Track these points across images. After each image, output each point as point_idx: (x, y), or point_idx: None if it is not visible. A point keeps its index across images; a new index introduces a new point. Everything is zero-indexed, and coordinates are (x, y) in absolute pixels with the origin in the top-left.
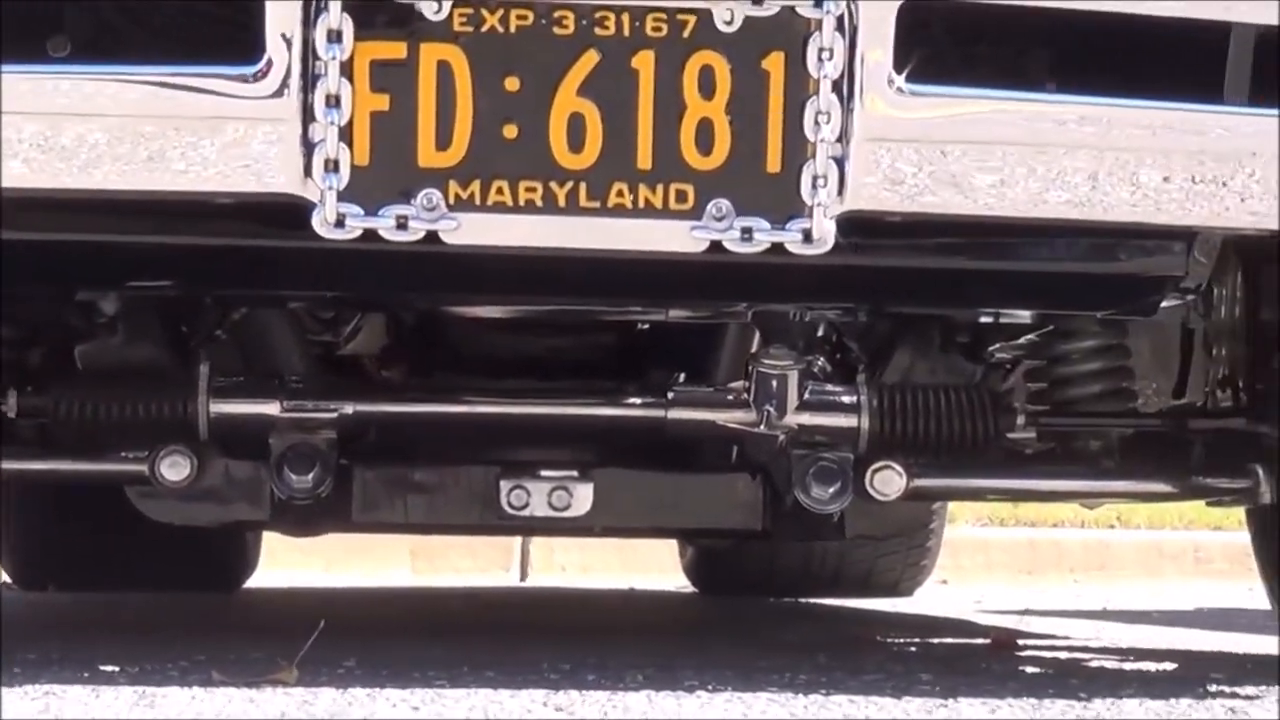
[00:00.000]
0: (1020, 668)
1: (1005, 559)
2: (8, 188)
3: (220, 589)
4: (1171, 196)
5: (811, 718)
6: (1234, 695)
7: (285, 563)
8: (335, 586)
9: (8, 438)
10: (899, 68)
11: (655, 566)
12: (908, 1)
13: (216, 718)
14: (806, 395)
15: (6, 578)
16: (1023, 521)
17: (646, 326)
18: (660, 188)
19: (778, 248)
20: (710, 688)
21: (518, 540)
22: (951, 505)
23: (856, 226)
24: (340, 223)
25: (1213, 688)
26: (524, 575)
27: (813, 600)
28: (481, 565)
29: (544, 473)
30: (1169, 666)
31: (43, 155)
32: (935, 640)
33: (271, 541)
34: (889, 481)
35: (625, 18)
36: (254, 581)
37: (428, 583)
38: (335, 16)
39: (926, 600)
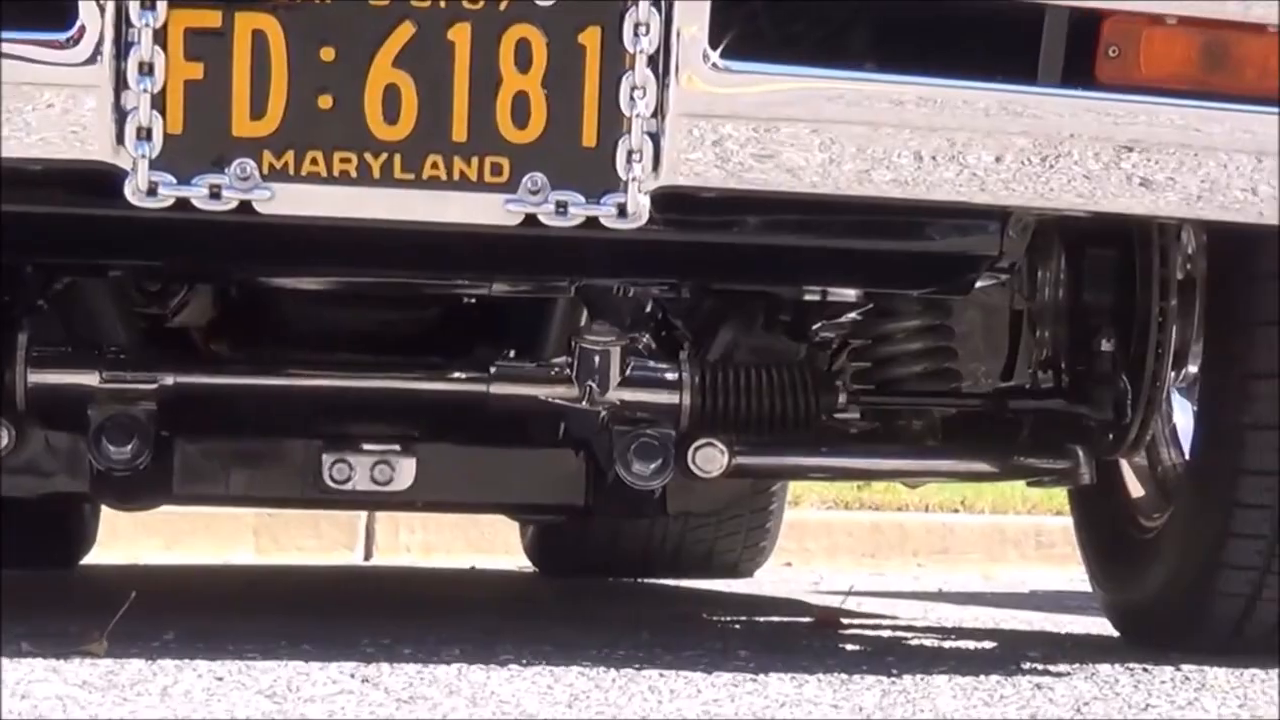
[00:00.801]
0: (840, 645)
1: (849, 541)
2: None
3: (58, 565)
4: (999, 177)
5: (618, 689)
6: (1044, 672)
7: (128, 541)
8: (174, 564)
9: None
10: (716, 43)
11: (501, 547)
12: None
13: (16, 686)
14: (629, 371)
15: None
16: (867, 505)
17: (474, 301)
18: (475, 160)
19: (592, 222)
20: (524, 662)
21: (362, 520)
22: (796, 487)
23: (673, 202)
24: (152, 191)
25: (1025, 665)
26: (368, 555)
27: (652, 581)
28: (326, 545)
29: (367, 446)
30: (988, 645)
31: None
32: (761, 619)
33: (115, 520)
34: (711, 459)
35: None
36: (94, 559)
37: (270, 561)
38: None
39: (766, 581)
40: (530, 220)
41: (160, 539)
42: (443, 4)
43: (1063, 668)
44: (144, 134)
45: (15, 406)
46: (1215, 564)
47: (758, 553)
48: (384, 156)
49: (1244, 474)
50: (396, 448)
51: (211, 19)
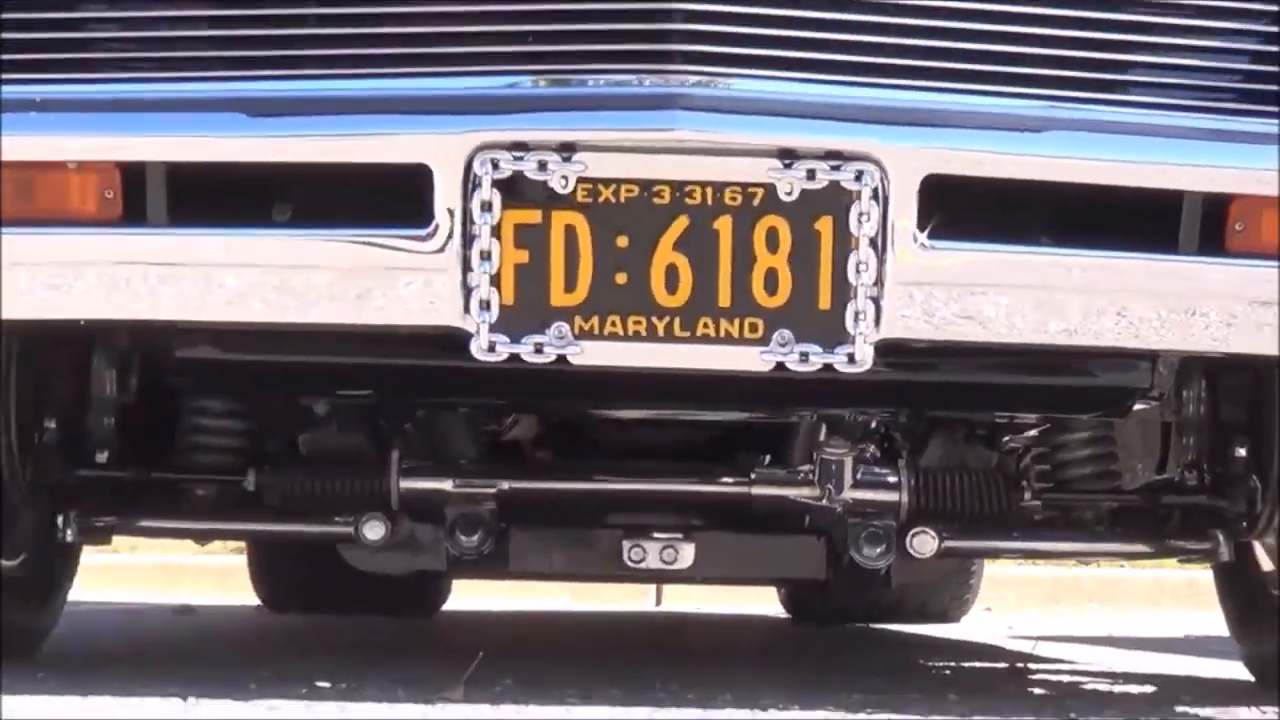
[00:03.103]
0: (1029, 689)
1: (1037, 590)
2: (253, 321)
3: (421, 614)
4: (1150, 326)
5: None
6: (1194, 717)
7: (475, 588)
8: (509, 610)
9: (252, 506)
10: (923, 225)
11: (766, 595)
12: (928, 176)
13: None
14: (859, 476)
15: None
16: (1051, 560)
17: (739, 422)
18: (737, 321)
19: (828, 367)
20: (780, 707)
21: None
22: None
23: (890, 350)
24: (491, 349)
25: (1179, 709)
26: (659, 600)
27: (880, 625)
28: (627, 592)
29: (656, 535)
30: (1149, 689)
31: (277, 296)
32: (965, 664)
33: None
34: (924, 544)
35: (709, 190)
36: (450, 606)
37: (583, 606)
38: (487, 191)
39: (971, 625)
40: (779, 367)
41: (503, 587)
42: (710, 201)
43: (1210, 711)
44: (484, 305)
45: (390, 506)
46: None
47: (963, 602)
48: (666, 320)
49: None
50: (680, 535)
51: (534, 217)
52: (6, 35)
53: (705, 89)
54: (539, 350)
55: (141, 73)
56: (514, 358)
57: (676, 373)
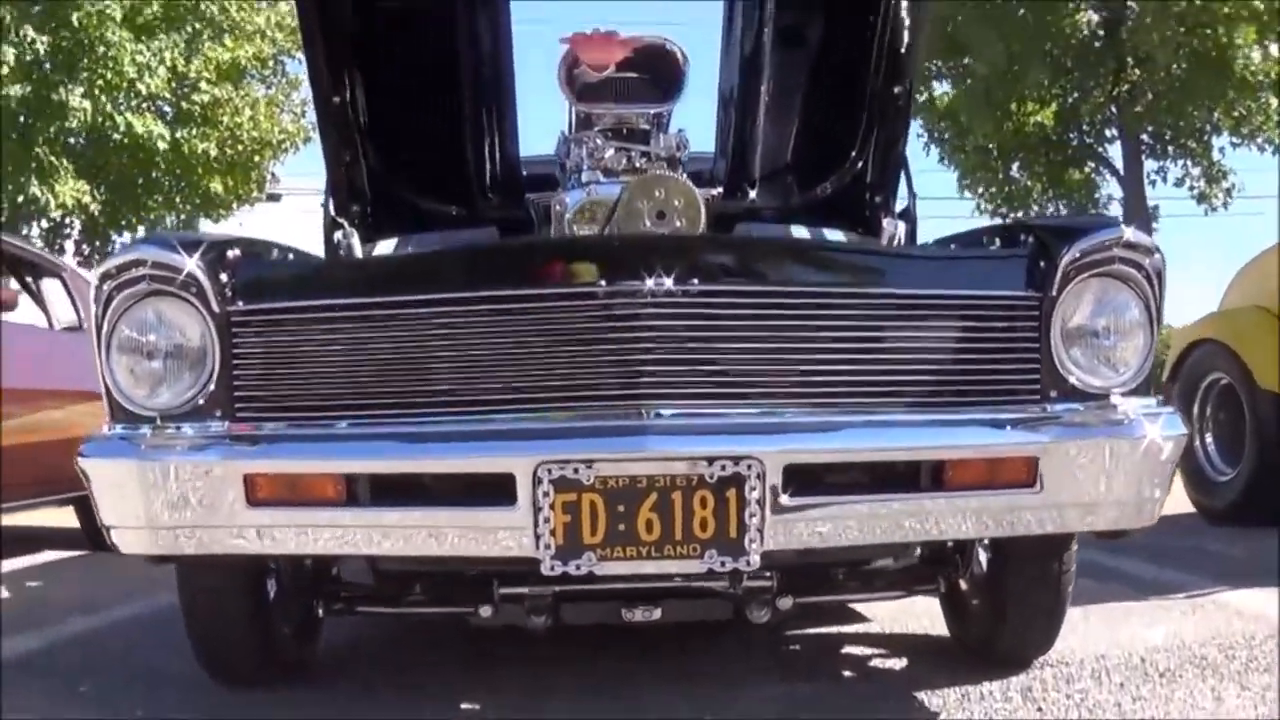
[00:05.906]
0: (851, 657)
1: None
2: (422, 555)
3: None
4: (908, 532)
5: None
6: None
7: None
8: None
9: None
10: (786, 489)
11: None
12: (788, 465)
13: None
14: (749, 575)
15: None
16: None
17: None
18: (685, 547)
19: (735, 570)
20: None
21: None
22: None
23: (769, 556)
24: (552, 569)
25: (926, 681)
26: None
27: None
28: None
29: (639, 605)
30: (905, 661)
31: (435, 540)
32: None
33: None
34: (785, 603)
35: (667, 479)
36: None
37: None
38: (546, 486)
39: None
40: (710, 569)
41: None
42: (667, 485)
43: (928, 672)
44: (547, 545)
45: (495, 601)
46: None
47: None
48: (647, 548)
49: None
50: (652, 604)
51: (572, 497)
52: (239, 391)
53: (661, 421)
54: (578, 568)
55: (335, 413)
56: (565, 573)
57: (655, 575)
